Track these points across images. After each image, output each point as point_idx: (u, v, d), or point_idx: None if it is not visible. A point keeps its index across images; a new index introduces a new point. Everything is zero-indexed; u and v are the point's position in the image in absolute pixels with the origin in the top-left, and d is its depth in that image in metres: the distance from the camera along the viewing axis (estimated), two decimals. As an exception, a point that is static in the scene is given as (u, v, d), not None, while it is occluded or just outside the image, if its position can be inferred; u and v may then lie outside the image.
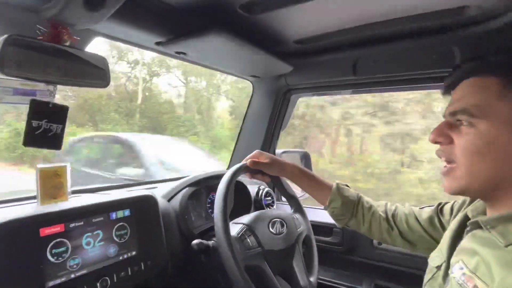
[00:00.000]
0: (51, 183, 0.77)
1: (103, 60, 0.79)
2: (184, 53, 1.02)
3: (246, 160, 0.95)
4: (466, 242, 0.55)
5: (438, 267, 0.64)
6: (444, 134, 0.58)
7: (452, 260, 0.56)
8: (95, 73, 0.78)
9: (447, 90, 0.61)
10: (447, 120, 0.59)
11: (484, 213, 0.58)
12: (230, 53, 1.05)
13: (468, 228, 0.57)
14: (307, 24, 1.00)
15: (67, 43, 0.74)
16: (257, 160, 0.94)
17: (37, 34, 0.70)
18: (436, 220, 0.78)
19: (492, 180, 0.52)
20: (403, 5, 0.85)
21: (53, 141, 0.72)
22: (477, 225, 0.54)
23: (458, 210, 0.73)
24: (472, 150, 0.52)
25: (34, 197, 0.82)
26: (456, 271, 0.51)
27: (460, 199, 0.76)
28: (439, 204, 0.81)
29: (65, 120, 0.74)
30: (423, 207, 0.84)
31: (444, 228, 0.76)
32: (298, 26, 1.01)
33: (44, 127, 0.70)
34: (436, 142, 0.60)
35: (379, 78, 1.20)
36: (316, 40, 1.11)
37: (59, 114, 0.73)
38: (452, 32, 0.98)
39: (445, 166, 0.59)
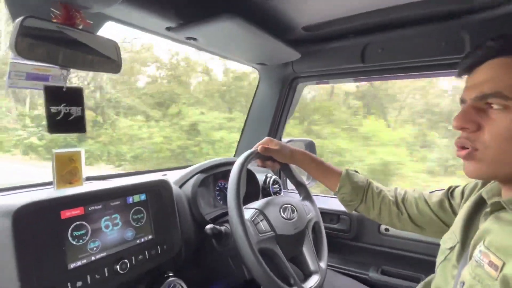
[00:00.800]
0: (66, 168, 0.77)
1: (115, 44, 0.79)
2: (194, 39, 1.02)
3: (257, 147, 0.95)
4: (489, 224, 0.54)
5: (451, 248, 0.65)
6: (471, 120, 0.53)
7: (476, 242, 0.55)
8: (107, 57, 0.78)
9: (465, 71, 0.57)
10: (473, 104, 0.54)
11: (499, 194, 0.58)
12: (240, 39, 1.05)
13: (488, 210, 0.56)
14: (316, 10, 0.99)
15: (80, 27, 0.73)
16: (267, 146, 0.94)
17: (50, 17, 0.70)
18: (446, 203, 0.79)
19: None
20: None
21: (76, 124, 0.72)
22: (499, 206, 0.53)
23: (470, 193, 0.73)
24: (507, 136, 0.49)
25: (50, 183, 0.82)
26: (476, 251, 0.51)
27: (471, 182, 0.76)
28: (450, 187, 0.82)
29: (83, 101, 0.74)
30: (433, 191, 0.85)
31: (454, 212, 0.77)
32: (308, 12, 1.01)
33: (64, 112, 0.70)
34: (461, 129, 0.55)
35: (387, 65, 1.20)
36: (324, 26, 1.11)
37: (75, 96, 0.73)
38: (461, 18, 0.98)
39: (465, 148, 0.55)
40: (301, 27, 1.12)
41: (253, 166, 1.36)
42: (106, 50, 0.78)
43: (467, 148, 0.54)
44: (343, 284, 1.20)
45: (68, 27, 0.70)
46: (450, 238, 0.67)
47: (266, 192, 1.34)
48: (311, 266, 0.94)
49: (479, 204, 0.65)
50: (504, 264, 0.45)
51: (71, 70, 0.75)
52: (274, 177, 1.38)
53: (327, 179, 0.96)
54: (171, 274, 0.82)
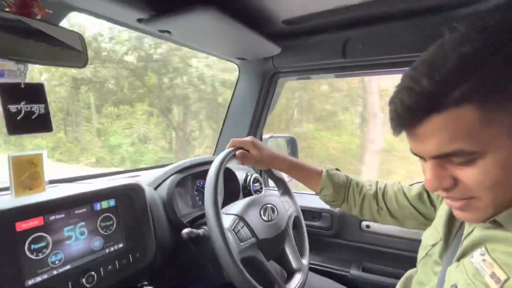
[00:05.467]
0: (25, 173, 0.70)
1: (79, 37, 0.72)
2: (168, 32, 0.95)
3: (235, 147, 0.90)
4: (487, 231, 0.51)
5: (434, 245, 0.64)
6: (445, 178, 0.47)
7: (470, 245, 0.52)
8: (71, 51, 0.71)
9: (399, 133, 0.49)
10: (435, 162, 0.47)
11: None
12: (217, 32, 0.99)
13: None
14: (297, 3, 0.95)
15: (38, 17, 0.66)
16: (247, 152, 0.90)
17: (3, 6, 0.62)
18: (425, 195, 0.78)
19: None
20: None
21: (40, 123, 0.65)
22: (494, 223, 0.49)
23: None
24: (492, 183, 0.44)
25: (6, 189, 0.75)
26: (476, 256, 0.49)
27: None
28: None
29: (45, 98, 0.67)
30: (412, 184, 0.84)
31: (433, 204, 0.76)
32: (288, 4, 0.97)
33: (25, 110, 0.63)
34: (441, 189, 0.48)
35: (368, 61, 1.18)
36: (305, 20, 1.07)
37: (36, 93, 0.66)
38: (442, 13, 0.97)
39: (459, 200, 0.48)
40: (281, 20, 1.08)
41: (233, 164, 1.33)
42: (70, 42, 0.71)
43: (459, 200, 0.49)
44: (322, 285, 1.19)
45: (23, 17, 0.63)
46: (432, 234, 0.67)
47: (247, 191, 1.30)
48: (294, 264, 0.92)
49: None
50: (508, 278, 0.43)
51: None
52: (255, 175, 1.34)
53: (308, 182, 0.94)
54: (145, 283, 0.78)
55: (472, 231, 0.54)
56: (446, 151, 0.44)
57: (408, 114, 0.45)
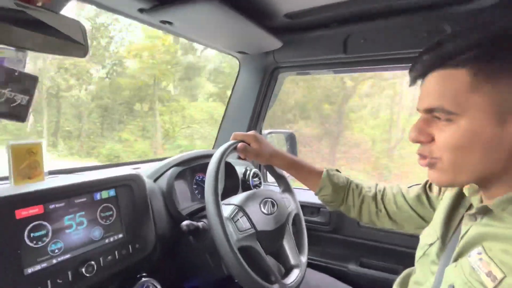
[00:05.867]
0: (25, 162, 0.69)
1: (80, 26, 0.71)
2: (170, 23, 0.95)
3: (236, 141, 0.90)
4: (484, 228, 0.51)
5: (431, 245, 0.64)
6: (424, 132, 0.53)
7: (467, 244, 0.53)
8: (72, 39, 0.70)
9: (413, 83, 0.57)
10: (425, 116, 0.54)
11: (479, 191, 0.57)
12: (219, 25, 0.99)
13: (473, 212, 0.55)
14: None
15: (39, 4, 0.65)
16: (248, 146, 0.90)
17: (3, -8, 0.61)
18: (424, 197, 0.78)
19: (479, 172, 0.50)
20: None
21: (17, 112, 0.63)
22: (486, 210, 0.52)
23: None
24: (456, 146, 0.49)
25: (6, 178, 0.74)
26: (473, 255, 0.49)
27: None
28: (428, 181, 0.80)
29: (33, 91, 0.65)
30: (411, 186, 0.84)
31: (432, 205, 0.76)
32: None
33: (7, 96, 0.61)
34: (416, 142, 0.55)
35: (369, 56, 1.18)
36: (307, 14, 1.07)
37: (26, 84, 0.65)
38: (443, 9, 0.97)
39: (425, 158, 0.55)
40: (283, 14, 1.07)
41: (232, 159, 1.32)
42: (70, 31, 0.70)
43: (427, 157, 0.55)
44: (319, 281, 1.19)
45: (24, 4, 0.62)
46: (429, 234, 0.66)
47: (246, 185, 1.30)
48: (292, 260, 0.92)
49: (459, 198, 0.64)
50: (505, 277, 0.43)
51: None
52: (254, 170, 1.34)
53: (307, 181, 0.94)
54: (144, 275, 0.77)
55: (468, 229, 0.54)
56: (431, 106, 0.51)
57: (421, 67, 0.53)
